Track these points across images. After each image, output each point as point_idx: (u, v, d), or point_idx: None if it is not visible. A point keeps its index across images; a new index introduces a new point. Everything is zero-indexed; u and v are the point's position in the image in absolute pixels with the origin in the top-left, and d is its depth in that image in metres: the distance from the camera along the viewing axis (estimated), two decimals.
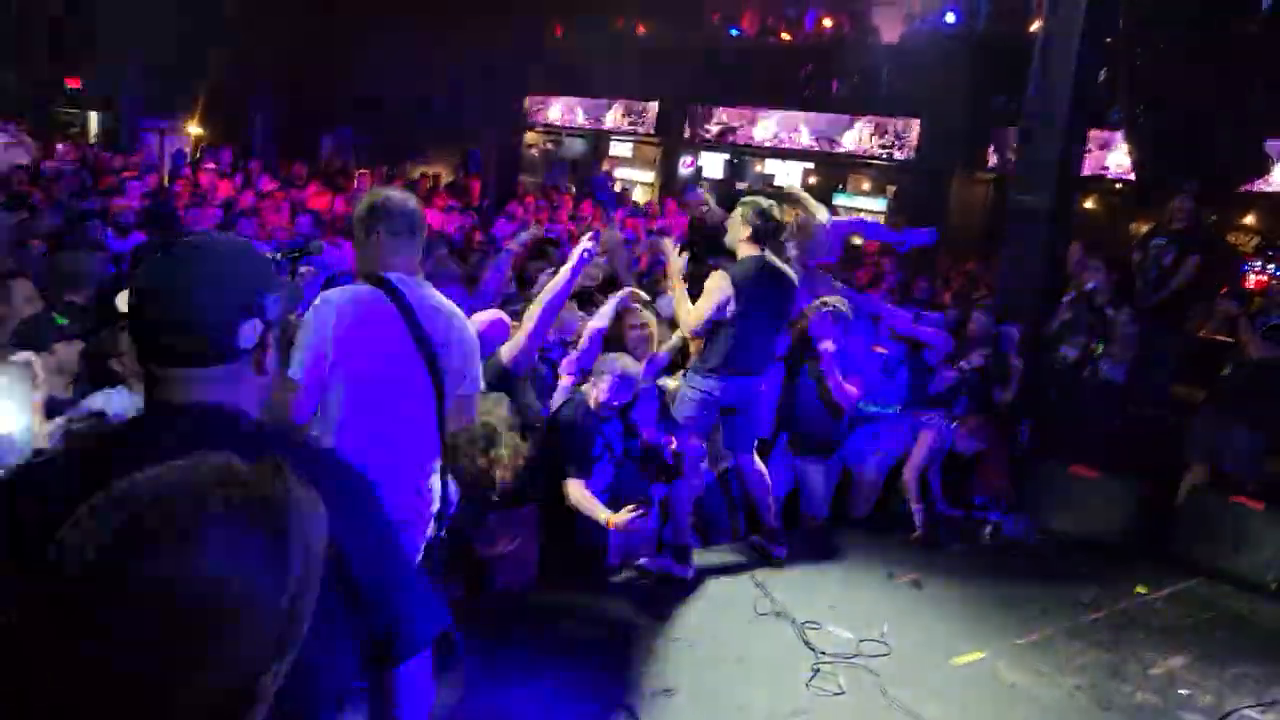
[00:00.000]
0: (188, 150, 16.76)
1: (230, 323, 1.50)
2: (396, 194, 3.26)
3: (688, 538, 5.17)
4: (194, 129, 18.89)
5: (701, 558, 5.30)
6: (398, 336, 3.04)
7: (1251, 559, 5.88)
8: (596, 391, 4.72)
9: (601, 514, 4.60)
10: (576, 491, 4.68)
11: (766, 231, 5.02)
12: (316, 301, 3.14)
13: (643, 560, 5.13)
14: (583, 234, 4.70)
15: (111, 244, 7.06)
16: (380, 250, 3.13)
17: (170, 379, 1.49)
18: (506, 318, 4.84)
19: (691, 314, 5.04)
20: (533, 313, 4.53)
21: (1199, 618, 5.41)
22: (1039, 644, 4.91)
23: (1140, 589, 5.70)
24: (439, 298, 3.25)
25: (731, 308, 4.94)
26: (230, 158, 13.94)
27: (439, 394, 3.14)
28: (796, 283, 5.25)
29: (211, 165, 12.73)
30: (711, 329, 5.05)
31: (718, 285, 4.94)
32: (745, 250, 5.04)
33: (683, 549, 5.09)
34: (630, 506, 4.56)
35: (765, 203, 5.06)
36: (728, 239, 5.16)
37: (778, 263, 5.10)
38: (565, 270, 4.49)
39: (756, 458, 5.43)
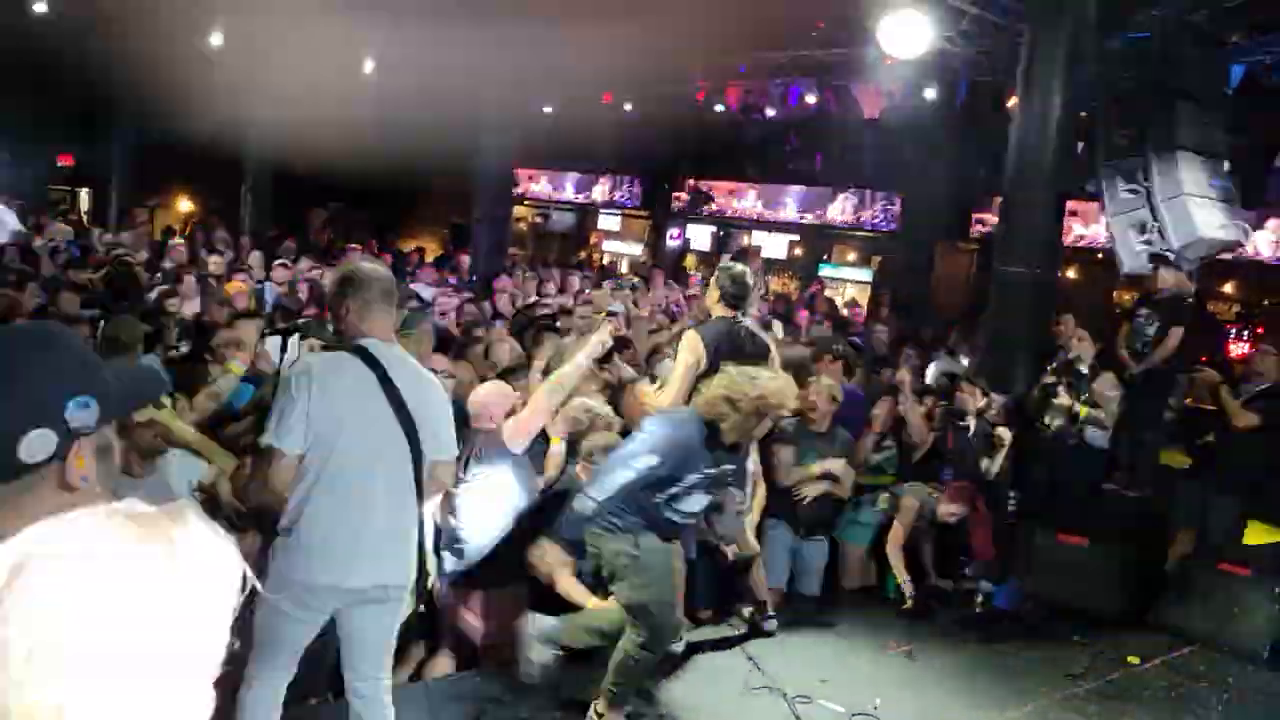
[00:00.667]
0: (177, 226, 16.91)
1: (9, 434, 1.26)
2: (367, 264, 3.42)
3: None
4: (185, 204, 19.09)
5: (691, 632, 5.26)
6: (375, 402, 3.11)
7: (1241, 627, 5.87)
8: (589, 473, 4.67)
9: (590, 600, 4.53)
10: (566, 580, 4.62)
11: (738, 296, 5.08)
12: (295, 368, 3.20)
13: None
14: (576, 307, 4.79)
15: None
16: (355, 319, 3.20)
17: None
18: (509, 389, 4.84)
19: (670, 388, 4.98)
20: (539, 397, 4.53)
21: (1191, 687, 5.39)
22: (1032, 715, 4.88)
23: (1132, 659, 5.68)
24: (414, 363, 3.33)
25: (703, 365, 4.92)
26: (224, 234, 14.07)
27: (416, 460, 3.18)
28: (772, 347, 5.28)
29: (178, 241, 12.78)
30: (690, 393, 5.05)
31: (688, 343, 5.00)
32: (718, 314, 5.11)
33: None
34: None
35: (738, 268, 5.15)
36: (706, 303, 5.31)
37: (751, 325, 5.15)
38: (580, 359, 4.54)
39: (748, 530, 5.43)
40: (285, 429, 3.08)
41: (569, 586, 4.62)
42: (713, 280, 5.17)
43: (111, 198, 18.36)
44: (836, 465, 5.90)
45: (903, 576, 6.09)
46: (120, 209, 17.85)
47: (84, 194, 19.61)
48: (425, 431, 3.19)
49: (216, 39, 13.07)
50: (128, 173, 18.29)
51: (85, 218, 17.96)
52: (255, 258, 11.33)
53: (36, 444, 1.27)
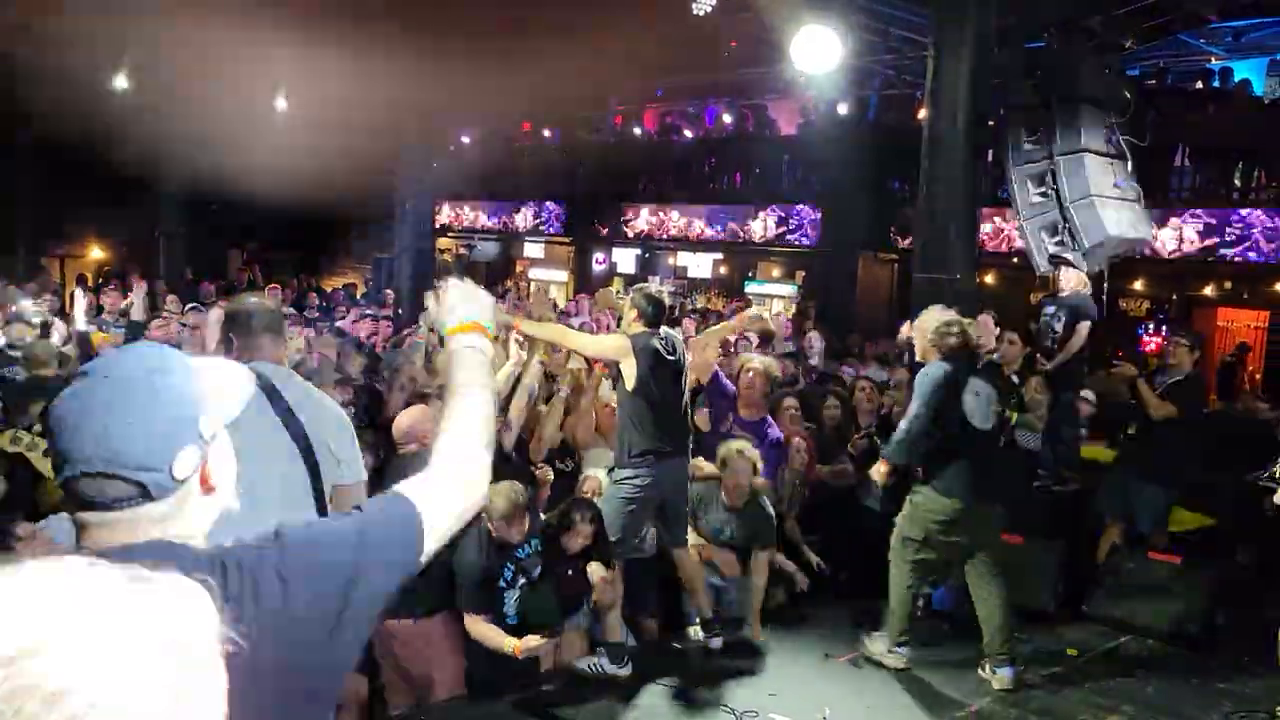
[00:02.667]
0: (89, 275, 16.48)
1: (163, 458, 1.34)
2: (251, 300, 3.45)
3: (620, 634, 5.11)
4: (97, 253, 18.63)
5: (637, 653, 5.23)
6: (269, 429, 2.98)
7: (1173, 612, 6.00)
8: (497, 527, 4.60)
9: (506, 644, 4.43)
10: (475, 627, 4.56)
11: (655, 315, 5.18)
12: None
13: (577, 661, 5.05)
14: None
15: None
16: (241, 354, 3.17)
17: (101, 524, 1.35)
18: (430, 412, 4.78)
19: (584, 342, 5.45)
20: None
21: (1129, 675, 5.49)
22: (979, 715, 4.93)
23: (1071, 651, 5.78)
24: (308, 385, 3.27)
25: (629, 369, 5.05)
26: (138, 281, 13.70)
27: (317, 486, 3.06)
28: (685, 363, 5.35)
29: (115, 287, 12.47)
30: (621, 413, 5.18)
31: (615, 339, 5.27)
32: (635, 331, 5.20)
33: (617, 646, 5.03)
34: (534, 638, 4.45)
35: (652, 288, 5.32)
36: (622, 327, 5.43)
37: (669, 341, 5.24)
38: (504, 371, 4.57)
39: (691, 548, 5.44)
40: None
41: (481, 633, 4.56)
42: (628, 302, 5.32)
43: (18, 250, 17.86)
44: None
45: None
46: (28, 261, 17.37)
47: None
48: (323, 455, 3.09)
49: (121, 80, 12.77)
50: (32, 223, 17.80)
51: None
52: (172, 301, 11.08)
53: (187, 461, 1.37)
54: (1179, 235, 12.41)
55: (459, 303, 1.79)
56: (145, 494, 1.34)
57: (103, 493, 1.33)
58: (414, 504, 1.56)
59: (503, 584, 4.67)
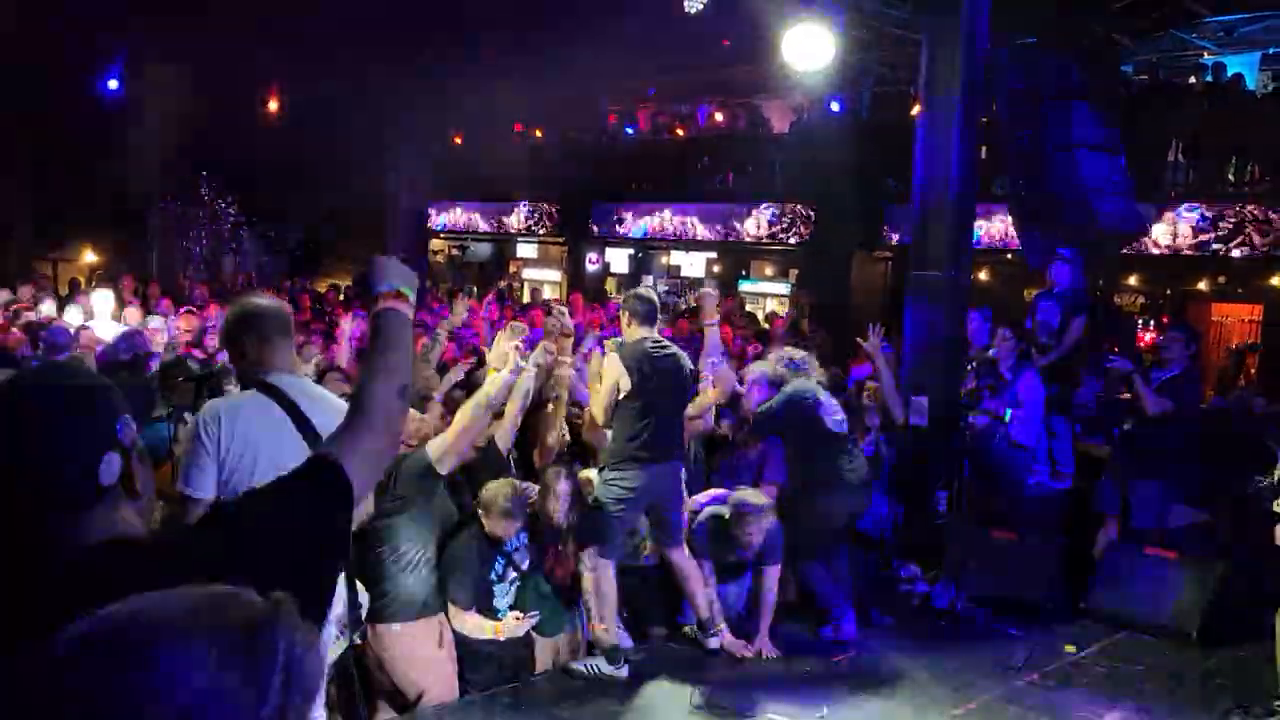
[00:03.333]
0: (82, 279, 16.41)
1: (88, 467, 1.42)
2: (261, 299, 3.38)
3: (615, 636, 5.08)
4: (90, 256, 18.55)
5: (633, 654, 5.21)
6: (288, 439, 2.98)
7: (1171, 608, 5.99)
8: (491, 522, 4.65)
9: (487, 629, 4.56)
10: (458, 618, 4.60)
11: (649, 314, 5.19)
12: (203, 413, 3.11)
13: (573, 663, 5.03)
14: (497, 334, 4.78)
15: None
16: (255, 355, 3.13)
17: (34, 536, 1.41)
18: (415, 413, 4.79)
19: (595, 408, 5.25)
20: (465, 413, 4.47)
21: (1128, 671, 5.48)
22: (976, 712, 4.91)
23: (1069, 647, 5.77)
24: (321, 391, 3.25)
25: (625, 384, 5.03)
26: (130, 284, 13.66)
27: None
28: (687, 364, 5.33)
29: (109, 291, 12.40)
30: (615, 416, 5.14)
31: (608, 366, 5.16)
32: (632, 334, 5.21)
33: (614, 648, 5.00)
34: (516, 614, 4.52)
35: (643, 289, 5.35)
36: (623, 334, 5.34)
37: (665, 343, 5.27)
38: (501, 377, 4.53)
39: (685, 549, 5.40)
40: (196, 475, 3.02)
41: (471, 626, 4.62)
42: (622, 305, 5.32)
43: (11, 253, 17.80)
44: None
45: None
46: (21, 263, 17.31)
47: None
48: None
49: (114, 83, 12.73)
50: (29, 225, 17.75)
51: None
52: (165, 304, 11.03)
53: (112, 467, 1.45)
54: (1173, 230, 12.41)
55: (391, 272, 1.96)
56: (74, 506, 1.41)
57: (30, 510, 1.40)
58: (338, 463, 1.62)
59: (494, 577, 4.68)
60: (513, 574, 4.77)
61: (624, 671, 4.95)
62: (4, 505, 1.41)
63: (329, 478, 1.60)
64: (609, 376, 5.11)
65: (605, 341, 5.71)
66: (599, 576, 5.01)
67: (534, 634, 4.99)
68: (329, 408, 3.12)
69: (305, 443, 2.97)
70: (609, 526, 5.04)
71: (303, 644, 0.99)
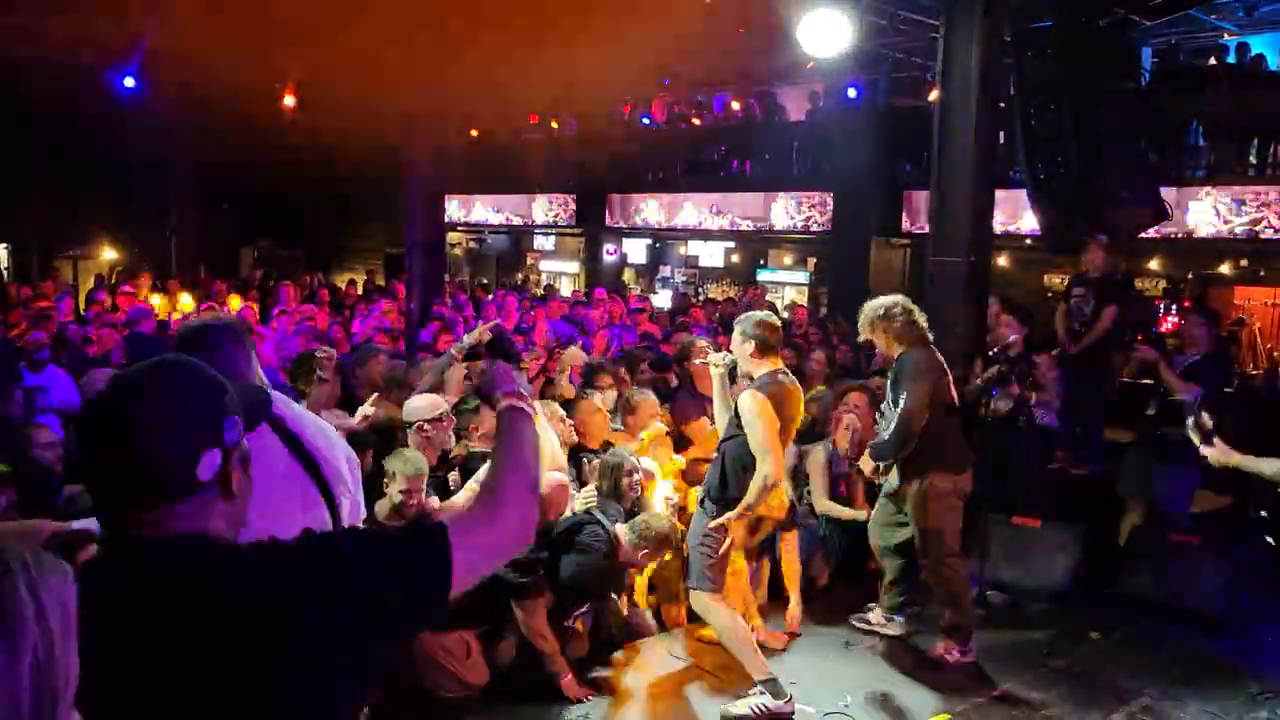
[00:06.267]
0: (104, 275, 16.53)
1: (187, 459, 1.45)
2: (208, 316, 3.24)
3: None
4: (109, 253, 18.68)
5: (658, 641, 5.22)
6: (281, 459, 2.71)
7: (1195, 594, 5.95)
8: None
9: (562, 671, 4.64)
10: (535, 621, 4.63)
11: (772, 342, 4.78)
12: None
13: (733, 708, 4.73)
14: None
15: (27, 379, 6.86)
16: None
17: (128, 521, 1.45)
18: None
19: (769, 459, 4.57)
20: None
21: (1154, 657, 5.45)
22: (1003, 698, 4.90)
23: (1094, 634, 5.74)
24: (307, 412, 3.02)
25: (777, 425, 4.63)
26: (147, 280, 13.78)
27: (333, 511, 2.87)
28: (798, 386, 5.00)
29: (129, 288, 12.50)
30: (738, 451, 4.68)
31: (762, 409, 4.58)
32: (760, 366, 4.76)
33: (772, 680, 4.70)
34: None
35: (759, 314, 4.89)
36: (740, 366, 4.88)
37: (790, 375, 4.87)
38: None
39: None
40: None
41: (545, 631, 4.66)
42: (738, 333, 4.81)
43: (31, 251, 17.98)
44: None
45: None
46: (42, 262, 17.46)
47: (1, 250, 19.05)
48: (338, 480, 2.81)
49: (130, 80, 12.79)
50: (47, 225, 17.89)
51: (5, 274, 17.47)
52: (185, 300, 11.12)
53: (209, 463, 1.47)
54: (1194, 214, 12.29)
55: (507, 377, 2.08)
56: (168, 496, 1.45)
57: (126, 493, 1.45)
58: (448, 543, 1.60)
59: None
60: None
61: (791, 708, 4.62)
62: (111, 484, 1.45)
63: (431, 545, 1.59)
64: (767, 418, 4.56)
65: (710, 360, 5.07)
66: (721, 612, 4.76)
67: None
68: (317, 428, 2.89)
69: (301, 466, 2.73)
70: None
71: (40, 569, 1.08)
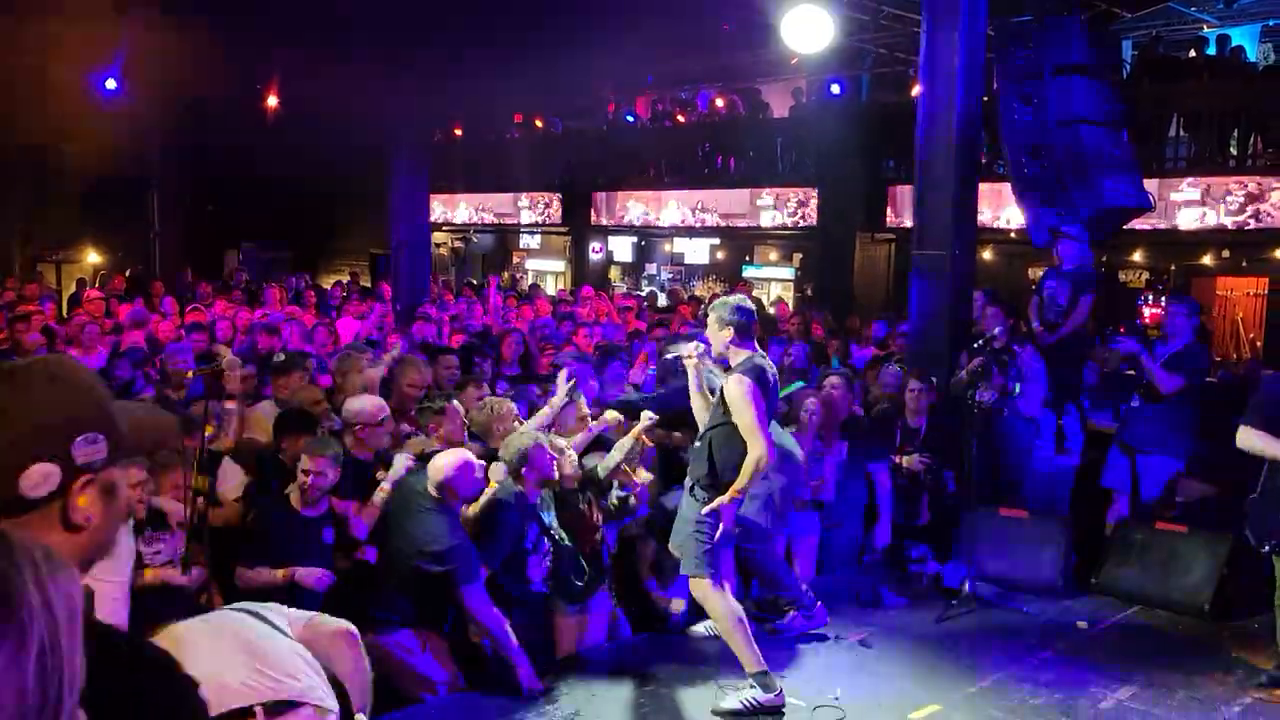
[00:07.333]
0: (88, 279, 16.44)
1: (6, 465, 1.24)
2: None
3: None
4: (94, 257, 18.58)
5: (642, 639, 5.24)
6: None
7: (1182, 583, 5.99)
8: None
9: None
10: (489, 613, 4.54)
11: (748, 326, 4.70)
12: None
13: (724, 701, 4.70)
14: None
15: None
16: None
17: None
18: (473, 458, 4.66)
19: (753, 440, 4.52)
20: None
21: (1140, 646, 5.49)
22: (990, 690, 4.92)
23: (1081, 624, 5.78)
24: None
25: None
26: (122, 284, 13.75)
27: None
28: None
29: (96, 294, 12.36)
30: (726, 437, 4.63)
31: (745, 392, 4.53)
32: (737, 354, 4.68)
33: (763, 674, 4.68)
34: None
35: (735, 298, 4.80)
36: (714, 349, 4.78)
37: (768, 360, 4.81)
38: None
39: None
40: None
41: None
42: (714, 319, 4.71)
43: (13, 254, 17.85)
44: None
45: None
46: (24, 265, 17.36)
47: None
48: None
49: (111, 82, 12.74)
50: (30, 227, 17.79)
51: None
52: (169, 303, 11.08)
53: (38, 478, 1.24)
54: (1176, 205, 12.37)
55: None
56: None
57: None
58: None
59: (527, 545, 4.70)
60: (546, 544, 4.80)
61: (781, 700, 4.63)
62: None
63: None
64: (751, 399, 4.51)
65: (683, 350, 4.96)
66: (721, 600, 4.70)
67: (554, 607, 5.00)
68: None
69: None
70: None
71: (49, 564, 1.04)
